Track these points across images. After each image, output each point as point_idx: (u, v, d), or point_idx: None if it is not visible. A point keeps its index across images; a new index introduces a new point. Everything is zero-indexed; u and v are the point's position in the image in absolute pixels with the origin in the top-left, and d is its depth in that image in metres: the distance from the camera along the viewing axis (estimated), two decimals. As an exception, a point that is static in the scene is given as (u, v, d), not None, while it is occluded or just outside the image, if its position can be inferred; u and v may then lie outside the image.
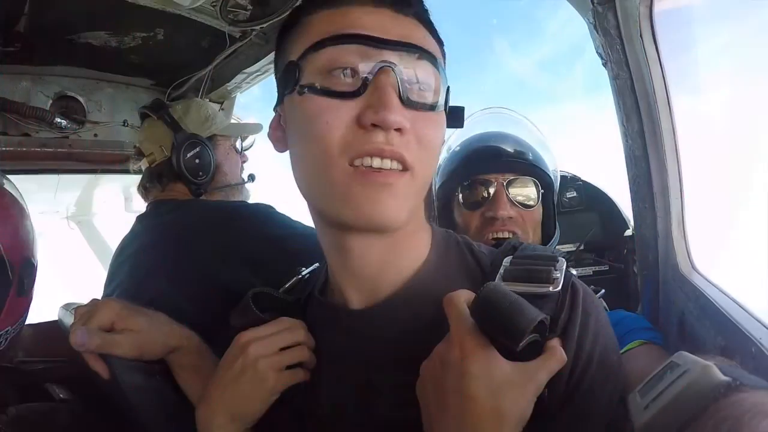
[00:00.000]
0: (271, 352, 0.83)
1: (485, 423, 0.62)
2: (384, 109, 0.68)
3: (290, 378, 0.85)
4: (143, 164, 1.73)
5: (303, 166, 0.77)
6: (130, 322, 0.97)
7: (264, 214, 1.49)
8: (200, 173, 1.65)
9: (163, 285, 1.40)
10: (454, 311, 0.70)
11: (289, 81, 0.75)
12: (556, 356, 0.68)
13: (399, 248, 0.80)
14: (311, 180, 0.77)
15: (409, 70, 0.73)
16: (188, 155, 1.62)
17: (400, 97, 0.70)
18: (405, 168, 0.72)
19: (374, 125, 0.69)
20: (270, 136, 0.86)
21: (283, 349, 0.84)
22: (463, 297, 0.70)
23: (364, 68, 0.71)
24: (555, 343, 0.70)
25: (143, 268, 1.50)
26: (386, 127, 0.69)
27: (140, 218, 1.64)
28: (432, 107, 0.75)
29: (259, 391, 0.83)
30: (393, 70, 0.71)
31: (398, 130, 0.70)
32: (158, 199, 1.68)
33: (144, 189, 1.74)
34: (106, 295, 1.59)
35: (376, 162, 0.70)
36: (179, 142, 1.63)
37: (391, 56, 0.71)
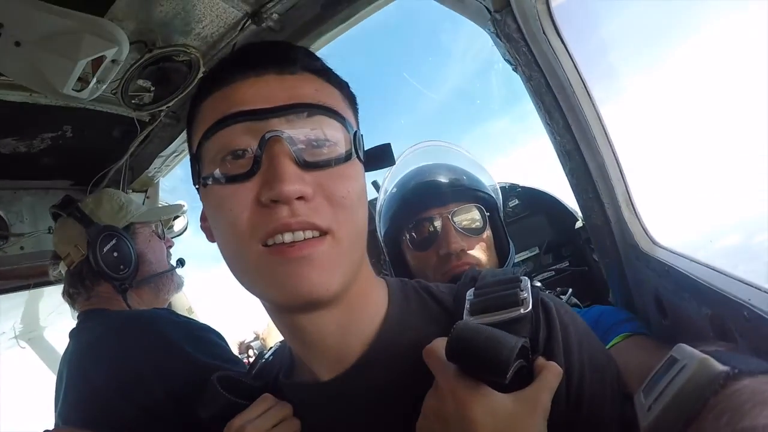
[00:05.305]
0: (266, 430, 0.80)
1: None
2: (278, 182, 0.65)
3: None
4: (62, 268, 1.60)
5: (224, 255, 0.75)
6: None
7: (157, 318, 1.38)
8: (121, 267, 1.52)
9: (97, 411, 1.27)
10: (436, 362, 0.67)
11: (194, 175, 0.75)
12: (553, 372, 0.66)
13: (354, 313, 0.76)
14: (234, 267, 0.74)
15: (300, 130, 0.70)
16: (105, 249, 1.50)
17: (297, 162, 0.67)
18: (323, 233, 0.68)
19: (274, 201, 0.66)
20: (202, 227, 0.84)
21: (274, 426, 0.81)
22: (441, 345, 0.67)
23: (253, 144, 0.69)
24: (543, 361, 0.68)
25: (78, 393, 1.37)
26: (285, 200, 0.66)
27: (71, 335, 1.50)
28: (337, 161, 0.71)
29: None
30: (282, 137, 0.68)
31: (301, 198, 0.66)
32: (85, 309, 1.55)
33: (69, 296, 1.59)
34: (56, 422, 1.43)
35: (288, 237, 0.66)
36: (93, 237, 1.51)
37: (278, 123, 0.69)
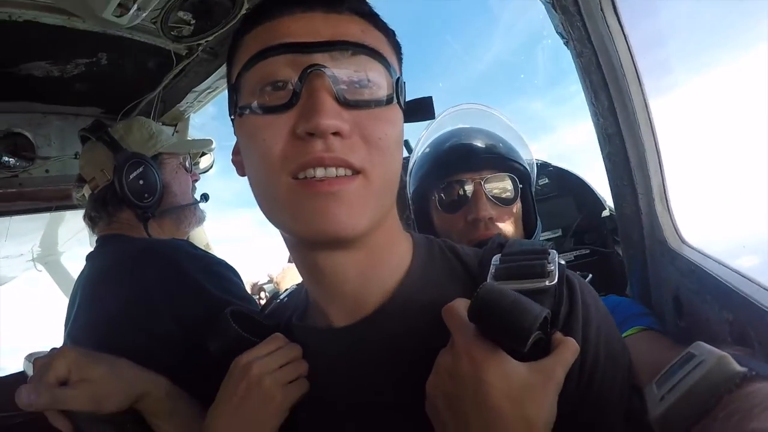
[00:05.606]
0: (274, 368, 0.80)
1: None
2: (316, 115, 0.64)
3: (296, 391, 0.81)
4: (86, 191, 1.61)
5: (253, 186, 0.75)
6: (86, 372, 0.89)
7: (177, 250, 1.39)
8: (146, 195, 1.53)
9: (107, 334, 1.30)
10: (455, 320, 0.67)
11: (231, 105, 0.75)
12: (570, 348, 0.65)
13: (376, 260, 0.76)
14: (261, 199, 0.74)
15: (343, 69, 0.69)
16: (131, 176, 1.51)
17: (337, 99, 0.67)
18: (356, 172, 0.67)
19: (310, 134, 0.65)
20: (233, 161, 0.83)
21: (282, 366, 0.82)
22: (463, 305, 0.67)
23: (294, 77, 0.68)
24: (561, 336, 0.67)
25: (89, 315, 1.40)
26: (321, 134, 0.65)
27: (88, 258, 1.53)
28: (378, 103, 0.70)
29: (268, 411, 0.79)
30: (324, 72, 0.67)
31: (337, 134, 0.66)
32: (104, 234, 1.57)
33: (90, 219, 1.60)
34: (64, 342, 1.48)
35: (319, 172, 0.66)
36: (120, 163, 1.51)
37: (321, 58, 0.68)
